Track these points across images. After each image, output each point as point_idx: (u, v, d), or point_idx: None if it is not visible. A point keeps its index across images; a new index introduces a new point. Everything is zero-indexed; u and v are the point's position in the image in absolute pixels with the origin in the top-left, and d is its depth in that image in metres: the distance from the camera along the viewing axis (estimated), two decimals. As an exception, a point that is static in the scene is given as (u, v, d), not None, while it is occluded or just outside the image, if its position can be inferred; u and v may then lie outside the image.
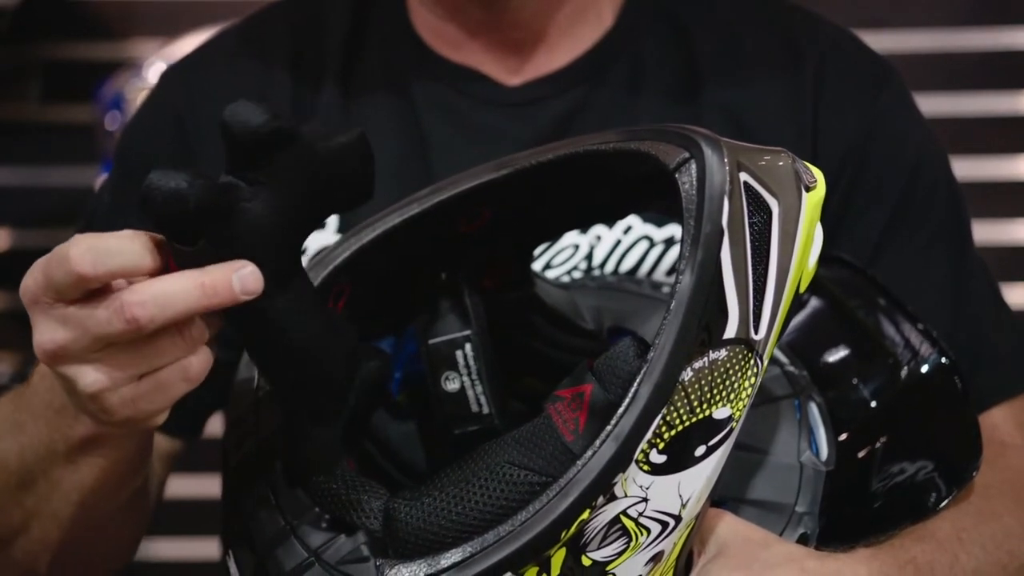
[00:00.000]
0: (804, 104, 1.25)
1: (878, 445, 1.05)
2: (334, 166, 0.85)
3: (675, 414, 0.84)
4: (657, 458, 0.84)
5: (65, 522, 1.07)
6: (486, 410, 1.04)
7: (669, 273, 1.22)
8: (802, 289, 0.93)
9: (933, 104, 2.04)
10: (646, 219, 1.23)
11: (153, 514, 1.24)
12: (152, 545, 2.01)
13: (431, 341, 1.04)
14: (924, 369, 1.09)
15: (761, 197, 0.89)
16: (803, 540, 0.98)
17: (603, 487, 0.83)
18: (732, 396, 0.86)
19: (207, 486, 1.46)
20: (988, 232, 2.06)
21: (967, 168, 2.05)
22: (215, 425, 1.32)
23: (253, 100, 0.81)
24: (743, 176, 0.89)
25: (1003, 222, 2.10)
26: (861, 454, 1.04)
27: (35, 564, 1.10)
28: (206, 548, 1.61)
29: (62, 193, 1.91)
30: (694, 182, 0.88)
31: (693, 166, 0.88)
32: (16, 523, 1.08)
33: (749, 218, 0.88)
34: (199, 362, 0.85)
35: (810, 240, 0.92)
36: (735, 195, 0.87)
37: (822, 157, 1.23)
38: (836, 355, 1.11)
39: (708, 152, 0.88)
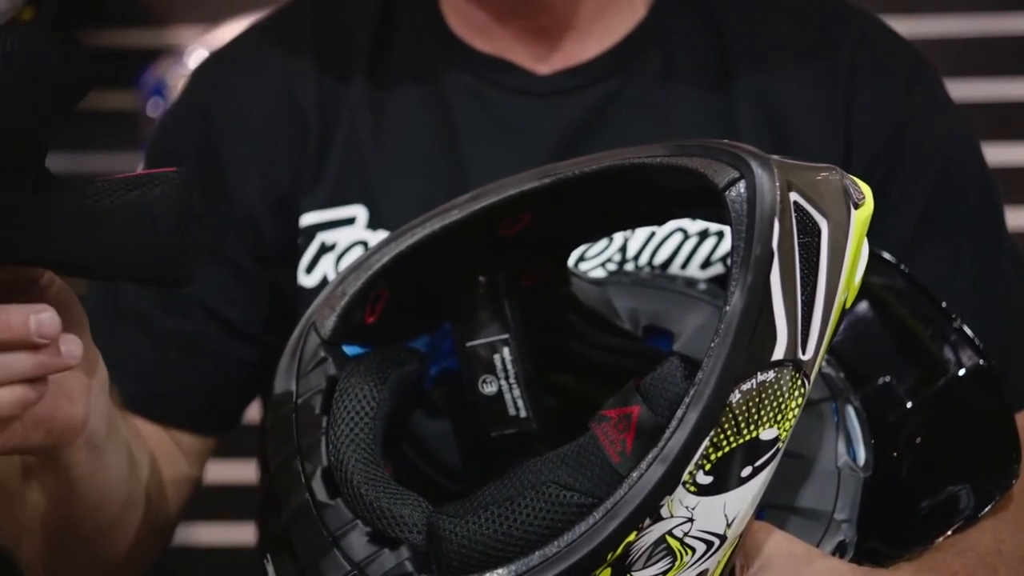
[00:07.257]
0: (837, 96, 1.23)
1: (915, 449, 1.05)
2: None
3: (722, 436, 0.84)
4: (703, 479, 0.84)
5: (51, 536, 1.07)
6: (523, 414, 1.04)
7: (703, 266, 1.22)
8: (848, 305, 0.93)
9: (972, 89, 2.03)
10: None
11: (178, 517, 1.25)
12: (190, 530, 2.02)
13: (469, 344, 1.04)
14: (961, 372, 1.08)
15: (811, 216, 0.89)
16: (841, 548, 0.98)
17: (650, 509, 0.83)
18: (779, 417, 0.86)
19: (246, 472, 1.47)
20: (1028, 219, 2.05)
21: (1007, 154, 2.03)
22: (252, 410, 1.32)
23: None
24: (793, 195, 0.88)
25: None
26: (897, 458, 1.04)
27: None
28: (245, 533, 1.62)
29: (104, 180, 1.92)
30: (744, 202, 0.87)
31: (743, 185, 0.88)
32: (11, 535, 1.09)
33: (799, 238, 0.88)
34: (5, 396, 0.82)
35: (858, 257, 0.92)
36: (785, 215, 0.87)
37: (855, 151, 1.22)
38: (872, 356, 1.10)
39: (758, 172, 0.88)
